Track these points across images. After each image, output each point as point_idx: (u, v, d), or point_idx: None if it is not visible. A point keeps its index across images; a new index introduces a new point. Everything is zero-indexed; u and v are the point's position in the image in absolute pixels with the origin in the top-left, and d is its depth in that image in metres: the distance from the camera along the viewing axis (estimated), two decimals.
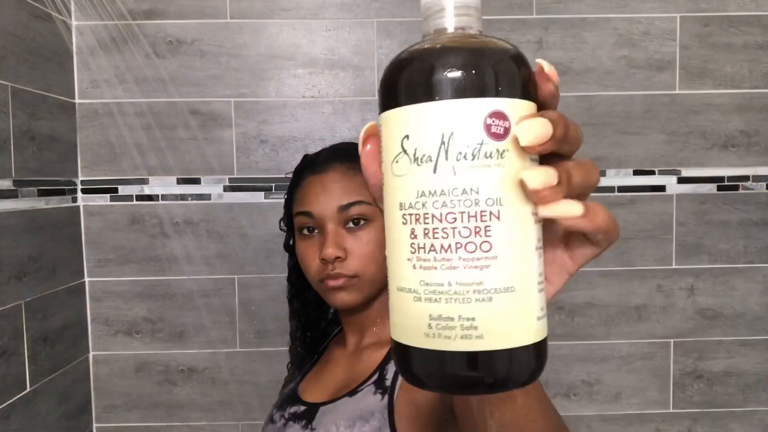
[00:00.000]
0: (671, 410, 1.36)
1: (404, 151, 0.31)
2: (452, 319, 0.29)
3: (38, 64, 1.14)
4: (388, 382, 0.75)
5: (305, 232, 0.82)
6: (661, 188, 1.33)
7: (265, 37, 1.29)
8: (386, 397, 0.74)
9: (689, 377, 1.36)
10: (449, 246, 0.29)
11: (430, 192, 0.30)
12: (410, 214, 0.31)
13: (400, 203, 0.31)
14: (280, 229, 0.94)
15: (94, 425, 1.33)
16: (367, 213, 0.78)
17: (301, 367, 0.96)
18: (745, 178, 1.33)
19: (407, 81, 0.31)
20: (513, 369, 0.30)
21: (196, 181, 1.31)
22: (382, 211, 0.34)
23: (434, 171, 0.30)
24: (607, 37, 1.30)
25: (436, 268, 0.30)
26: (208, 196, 1.31)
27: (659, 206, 1.33)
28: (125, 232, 1.31)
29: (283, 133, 1.30)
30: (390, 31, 1.29)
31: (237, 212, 1.31)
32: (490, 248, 0.29)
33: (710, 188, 1.33)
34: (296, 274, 0.93)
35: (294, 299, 0.96)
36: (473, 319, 0.29)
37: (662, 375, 1.35)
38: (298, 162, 0.88)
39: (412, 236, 0.31)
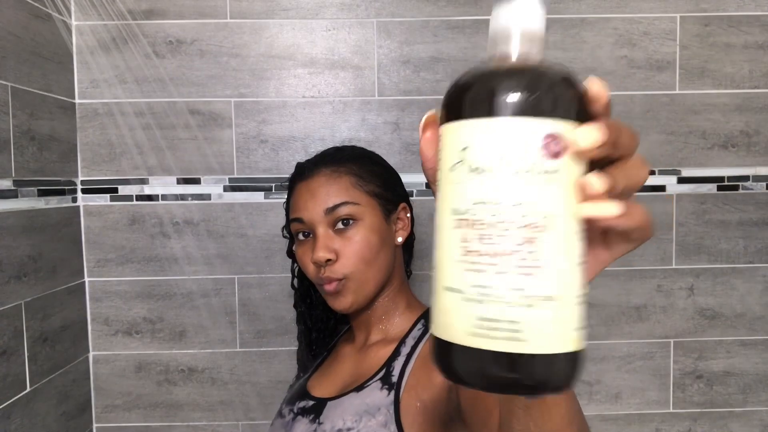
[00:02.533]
0: (671, 410, 1.36)
1: (462, 160, 0.34)
2: (498, 320, 0.32)
3: (38, 64, 1.14)
4: (394, 379, 0.77)
5: (300, 237, 0.85)
6: (661, 188, 1.33)
7: (265, 37, 1.29)
8: (392, 393, 0.76)
9: (689, 377, 1.36)
10: (499, 252, 0.32)
11: (484, 201, 0.32)
12: (464, 219, 0.33)
13: (454, 209, 0.34)
14: (283, 236, 0.96)
15: (94, 425, 1.33)
16: (354, 213, 0.80)
17: (306, 370, 0.97)
18: (745, 178, 1.33)
19: (472, 97, 0.34)
20: (551, 374, 0.32)
21: (196, 181, 1.31)
22: (433, 192, 0.38)
23: (490, 182, 0.32)
24: (607, 37, 1.30)
25: (485, 271, 0.32)
26: (208, 196, 1.31)
27: (659, 206, 1.33)
28: (125, 232, 1.31)
29: (283, 133, 1.30)
30: (390, 31, 1.29)
31: (237, 212, 1.31)
32: (538, 258, 0.32)
33: (710, 188, 1.33)
34: (300, 278, 0.96)
35: (299, 303, 0.98)
36: (517, 322, 0.32)
37: (662, 375, 1.35)
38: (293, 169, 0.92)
39: (464, 241, 0.33)
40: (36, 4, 1.13)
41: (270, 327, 1.33)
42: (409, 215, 0.88)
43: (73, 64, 1.27)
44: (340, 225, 0.80)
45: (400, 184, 0.91)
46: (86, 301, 1.31)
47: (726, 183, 1.33)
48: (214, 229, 1.31)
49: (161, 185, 1.30)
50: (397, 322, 0.85)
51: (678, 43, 1.31)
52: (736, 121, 1.32)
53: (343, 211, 0.80)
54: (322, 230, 0.81)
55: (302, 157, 1.30)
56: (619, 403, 1.36)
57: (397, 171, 1.31)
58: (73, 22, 1.27)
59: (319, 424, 0.80)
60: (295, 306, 1.00)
